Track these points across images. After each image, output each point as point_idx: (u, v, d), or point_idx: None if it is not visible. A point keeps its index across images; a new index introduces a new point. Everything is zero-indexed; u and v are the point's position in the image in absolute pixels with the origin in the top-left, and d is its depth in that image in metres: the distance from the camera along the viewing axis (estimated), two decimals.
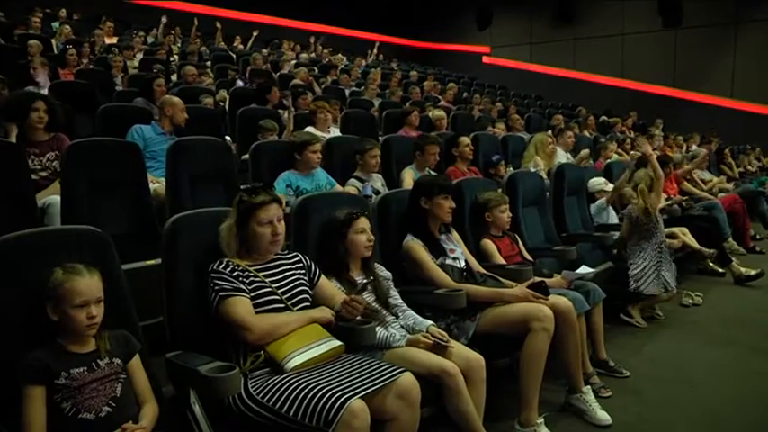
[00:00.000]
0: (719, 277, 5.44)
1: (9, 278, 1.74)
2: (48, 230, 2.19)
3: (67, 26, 9.26)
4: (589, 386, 2.93)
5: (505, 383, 2.68)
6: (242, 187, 2.22)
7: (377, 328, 2.23)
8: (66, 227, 2.38)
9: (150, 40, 10.71)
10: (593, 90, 14.93)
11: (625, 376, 3.30)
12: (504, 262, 3.24)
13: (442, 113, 6.56)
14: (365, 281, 2.33)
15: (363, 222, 2.49)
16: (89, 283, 1.72)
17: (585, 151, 5.85)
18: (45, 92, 4.96)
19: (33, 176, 3.35)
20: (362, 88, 8.76)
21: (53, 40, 8.44)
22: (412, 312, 2.52)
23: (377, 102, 7.83)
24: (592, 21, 15.14)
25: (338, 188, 3.94)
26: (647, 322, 4.18)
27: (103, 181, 3.21)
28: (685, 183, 6.70)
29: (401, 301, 2.56)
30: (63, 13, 10.94)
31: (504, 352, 2.69)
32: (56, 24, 9.90)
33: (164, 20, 11.09)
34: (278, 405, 1.84)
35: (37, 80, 5.34)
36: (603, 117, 11.30)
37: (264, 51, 11.09)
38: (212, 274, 2.04)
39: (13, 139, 3.44)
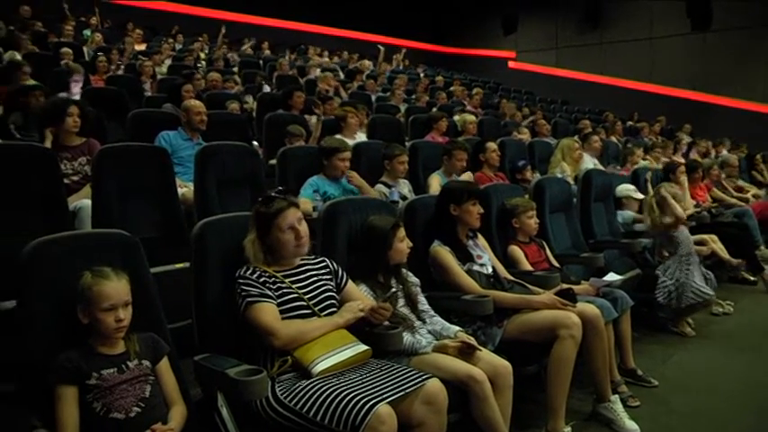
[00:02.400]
0: (751, 285, 5.34)
1: (42, 280, 1.78)
2: (79, 234, 2.25)
3: (98, 34, 9.46)
4: (617, 395, 2.90)
5: (532, 391, 2.66)
6: (259, 199, 2.23)
7: (403, 334, 2.23)
8: (97, 230, 2.42)
9: (178, 46, 10.86)
10: (620, 94, 14.72)
11: (653, 386, 3.25)
12: (531, 268, 3.23)
13: (472, 117, 6.55)
14: (394, 289, 2.34)
15: (403, 230, 2.53)
16: (117, 287, 1.75)
17: None
18: (77, 98, 5.07)
19: (65, 180, 3.39)
20: (388, 93, 8.77)
21: (84, 48, 8.62)
22: (439, 318, 2.52)
23: (403, 107, 7.83)
24: (619, 24, 14.96)
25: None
26: (676, 332, 4.10)
27: (133, 185, 3.26)
28: (715, 189, 6.58)
29: (428, 306, 2.56)
30: (94, 20, 11.17)
31: (530, 359, 2.67)
32: (87, 32, 10.12)
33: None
34: (305, 409, 1.84)
35: (72, 88, 5.44)
36: (630, 122, 11.15)
37: (291, 57, 11.18)
38: (239, 280, 2.06)
39: (49, 145, 3.51)
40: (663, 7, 14.05)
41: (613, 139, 8.53)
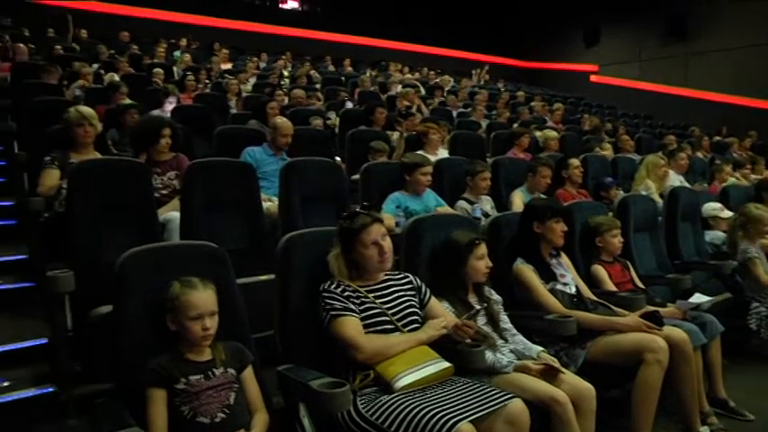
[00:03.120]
0: None
1: (135, 288, 1.88)
2: (170, 245, 2.36)
3: (187, 54, 9.96)
4: (707, 426, 2.78)
5: (615, 417, 2.57)
6: (343, 215, 2.26)
7: (486, 352, 2.21)
8: (187, 242, 2.52)
9: (262, 65, 11.25)
10: (706, 108, 14.02)
11: (748, 420, 3.05)
12: (614, 289, 3.13)
13: (554, 134, 6.44)
14: (478, 306, 2.33)
15: (483, 249, 2.50)
16: (203, 297, 1.82)
17: None
18: (168, 115, 5.34)
19: (155, 194, 3.54)
20: (469, 109, 8.75)
21: (174, 68, 9.10)
22: (522, 337, 2.49)
23: (484, 123, 7.79)
24: (705, 34, 14.30)
25: (447, 210, 3.94)
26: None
27: (220, 199, 3.36)
28: None
29: (511, 325, 2.53)
30: (184, 42, 11.78)
31: (614, 383, 2.60)
32: (177, 53, 10.69)
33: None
34: (386, 423, 1.85)
35: (165, 106, 5.75)
36: (718, 137, 10.63)
37: (372, 73, 11.36)
38: (323, 294, 2.10)
39: (142, 160, 3.71)
40: (753, 15, 13.27)
41: (699, 154, 8.15)
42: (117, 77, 7.03)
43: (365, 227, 2.14)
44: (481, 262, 2.48)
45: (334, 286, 2.11)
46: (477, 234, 2.59)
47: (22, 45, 8.19)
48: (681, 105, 14.55)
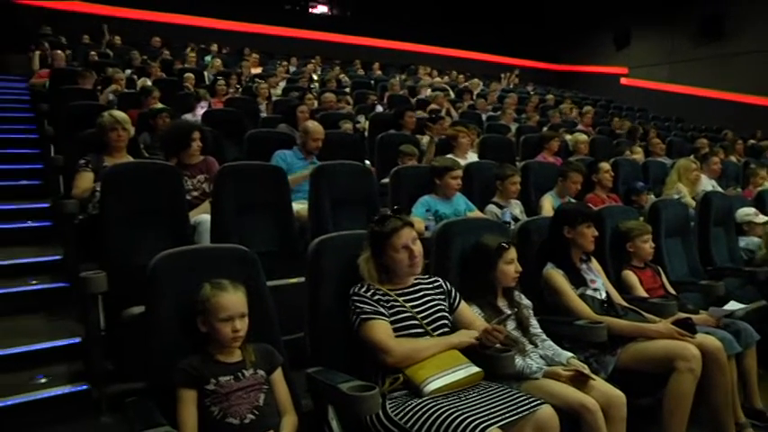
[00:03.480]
0: None
1: (167, 289, 1.91)
2: (202, 248, 2.39)
3: (218, 59, 10.09)
4: None
5: (646, 425, 2.53)
6: (374, 218, 2.27)
7: (515, 357, 2.20)
8: (218, 245, 2.56)
9: (292, 68, 11.34)
10: (740, 111, 13.70)
11: None
12: (645, 295, 3.09)
13: (584, 137, 6.37)
14: (508, 311, 2.31)
15: (513, 253, 2.49)
16: (233, 299, 1.84)
17: None
18: (199, 119, 5.41)
19: (186, 196, 3.61)
20: (499, 113, 8.71)
21: (205, 72, 9.23)
22: (551, 343, 2.47)
23: (514, 126, 7.74)
24: (740, 35, 13.96)
25: (477, 213, 3.93)
26: None
27: (250, 202, 3.39)
28: None
29: (540, 330, 2.51)
30: (214, 47, 11.94)
31: (645, 391, 2.56)
32: (208, 58, 10.83)
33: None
34: (415, 427, 1.85)
35: (196, 111, 5.83)
36: (753, 140, 10.38)
37: (401, 77, 11.38)
38: (353, 297, 2.11)
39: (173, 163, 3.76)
40: None
41: (732, 158, 7.98)
42: (149, 82, 7.15)
43: (396, 230, 2.14)
44: (510, 266, 2.46)
45: (364, 290, 2.12)
46: (506, 238, 2.58)
47: (59, 52, 8.39)
48: (713, 108, 14.24)
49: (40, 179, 5.37)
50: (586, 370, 2.25)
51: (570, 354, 2.39)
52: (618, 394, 2.19)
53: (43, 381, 2.88)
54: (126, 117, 3.88)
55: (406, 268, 2.17)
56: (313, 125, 4.57)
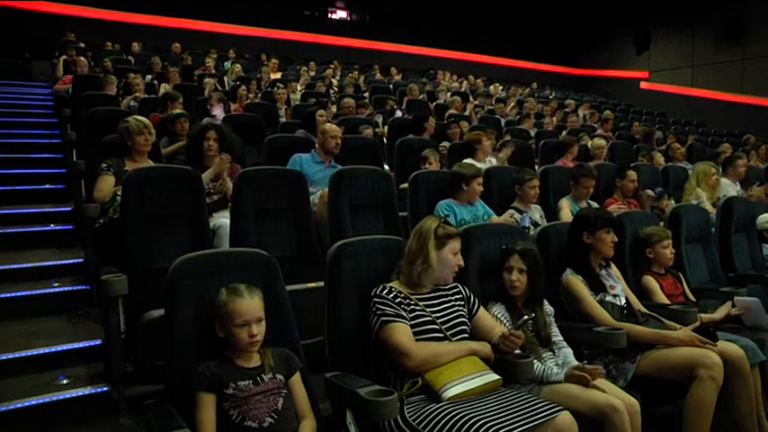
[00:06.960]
0: None
1: (186, 293, 1.92)
2: (221, 252, 2.40)
3: (238, 65, 10.16)
4: None
5: None
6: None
7: (534, 363, 2.19)
8: (238, 249, 2.56)
9: (311, 74, 11.40)
10: (763, 115, 13.52)
11: None
12: (666, 301, 3.06)
13: (602, 142, 6.32)
14: (527, 316, 2.31)
15: (514, 260, 2.50)
16: (249, 304, 1.85)
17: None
18: (219, 121, 5.44)
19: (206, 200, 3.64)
20: (518, 117, 8.67)
21: (225, 78, 9.29)
22: (567, 351, 2.45)
23: (533, 131, 7.71)
24: (762, 38, 13.78)
25: (495, 219, 3.91)
26: None
27: (269, 206, 3.42)
28: None
29: (560, 338, 2.50)
30: (232, 53, 12.03)
31: (665, 399, 2.52)
32: (227, 64, 10.91)
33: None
34: None
35: (213, 113, 5.87)
36: None
37: (421, 81, 11.38)
38: (375, 299, 2.12)
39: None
40: None
41: (756, 163, 7.87)
42: (169, 87, 7.23)
43: (458, 235, 2.24)
44: (511, 275, 2.48)
45: (386, 292, 2.13)
46: (526, 243, 2.56)
47: (82, 58, 8.51)
48: (735, 112, 14.08)
49: (63, 183, 5.45)
50: (597, 369, 2.24)
51: (577, 363, 2.35)
52: (632, 402, 2.16)
53: (65, 381, 2.92)
54: (149, 122, 3.93)
55: (450, 272, 2.23)
56: (329, 125, 4.61)
